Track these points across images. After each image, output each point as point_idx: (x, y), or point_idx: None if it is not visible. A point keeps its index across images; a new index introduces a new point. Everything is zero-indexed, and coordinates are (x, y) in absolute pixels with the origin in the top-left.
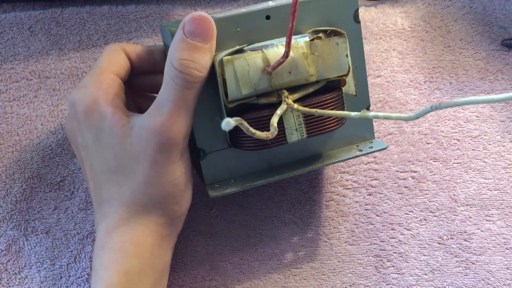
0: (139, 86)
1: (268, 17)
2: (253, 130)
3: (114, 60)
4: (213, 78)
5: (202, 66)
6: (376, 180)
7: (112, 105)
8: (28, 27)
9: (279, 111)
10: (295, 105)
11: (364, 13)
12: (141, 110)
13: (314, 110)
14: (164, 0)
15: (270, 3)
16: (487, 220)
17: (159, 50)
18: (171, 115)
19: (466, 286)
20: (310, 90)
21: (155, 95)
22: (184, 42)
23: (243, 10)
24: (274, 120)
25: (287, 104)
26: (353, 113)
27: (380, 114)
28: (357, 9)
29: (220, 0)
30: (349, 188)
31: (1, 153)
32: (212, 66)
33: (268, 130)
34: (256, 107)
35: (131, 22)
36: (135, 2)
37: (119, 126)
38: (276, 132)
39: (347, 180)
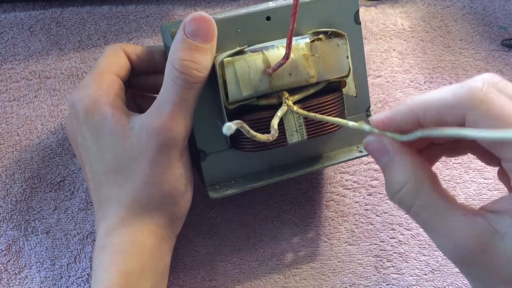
0: (139, 87)
1: (268, 18)
2: (254, 133)
3: (114, 61)
4: (214, 79)
5: (203, 67)
6: (376, 180)
7: (112, 105)
8: (28, 27)
9: (279, 113)
10: (295, 108)
11: (364, 13)
12: (141, 110)
13: (313, 114)
14: (164, 0)
15: (270, 4)
16: None
17: (159, 51)
18: (171, 116)
19: (466, 286)
20: (311, 91)
21: (156, 95)
22: (185, 43)
23: (244, 10)
24: (275, 122)
25: (287, 105)
26: (350, 123)
27: (376, 130)
28: (358, 10)
29: (220, 0)
30: (349, 188)
31: (1, 153)
32: (213, 67)
33: (269, 131)
34: (256, 108)
35: (131, 22)
36: (135, 2)
37: (119, 126)
38: (276, 135)
39: (347, 180)
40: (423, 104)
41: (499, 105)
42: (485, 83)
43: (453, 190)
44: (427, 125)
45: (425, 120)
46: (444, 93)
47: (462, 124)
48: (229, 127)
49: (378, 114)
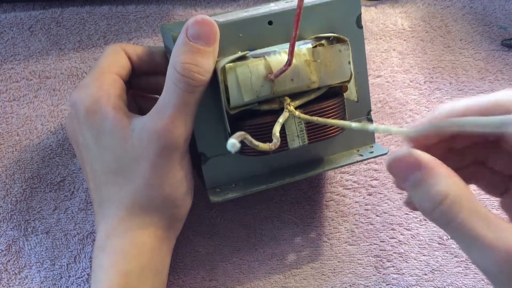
0: (139, 87)
1: (270, 23)
2: (256, 143)
3: (115, 61)
4: (215, 84)
5: (205, 70)
6: (376, 180)
7: (113, 105)
8: (28, 27)
9: (281, 120)
10: (297, 113)
11: (364, 13)
12: (142, 110)
13: (315, 118)
14: (164, 0)
15: (272, 6)
16: None
17: (159, 51)
18: (172, 119)
19: (466, 286)
20: (312, 96)
21: (156, 96)
22: (187, 46)
23: (245, 13)
24: (277, 129)
25: (289, 111)
26: (353, 124)
27: (380, 127)
28: (360, 14)
29: (220, 0)
30: (349, 188)
31: (1, 153)
32: (214, 72)
33: (270, 136)
34: (258, 114)
35: (131, 22)
36: (135, 2)
37: (120, 127)
38: (278, 143)
39: (347, 180)
40: (461, 109)
41: None
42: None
43: None
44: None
45: (466, 126)
46: (479, 98)
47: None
48: (234, 144)
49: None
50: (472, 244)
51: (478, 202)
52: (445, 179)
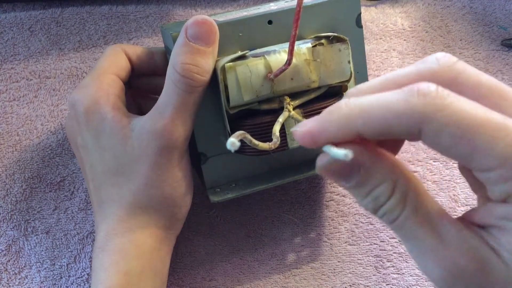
0: (139, 87)
1: (270, 22)
2: (256, 142)
3: (115, 61)
4: (215, 84)
5: (205, 70)
6: None
7: (112, 106)
8: (28, 27)
9: (281, 119)
10: (296, 114)
11: (364, 13)
12: (142, 110)
13: None
14: (164, 0)
15: (272, 6)
16: None
17: (159, 52)
18: (172, 119)
19: None
20: (312, 96)
21: (156, 96)
22: (187, 46)
23: (244, 13)
24: (276, 129)
25: (289, 111)
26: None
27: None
28: (359, 14)
29: (220, 0)
30: None
31: (1, 153)
32: (214, 72)
33: (270, 136)
34: (258, 113)
35: (131, 22)
36: (135, 2)
37: (120, 127)
38: (278, 142)
39: None
40: (362, 112)
41: (459, 109)
42: (438, 88)
43: (453, 190)
44: (368, 137)
45: (366, 132)
46: (389, 98)
47: (417, 135)
48: (233, 143)
49: (304, 124)
50: (412, 245)
51: (423, 195)
52: (388, 177)
